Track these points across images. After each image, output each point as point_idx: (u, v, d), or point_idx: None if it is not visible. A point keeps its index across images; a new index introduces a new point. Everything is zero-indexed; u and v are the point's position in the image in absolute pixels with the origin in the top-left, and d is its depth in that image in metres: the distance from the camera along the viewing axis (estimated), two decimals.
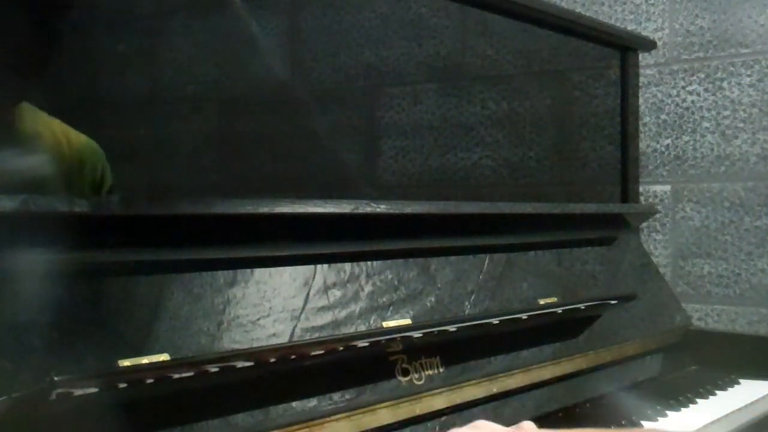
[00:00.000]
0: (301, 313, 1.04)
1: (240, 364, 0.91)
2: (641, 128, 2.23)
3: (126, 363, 0.81)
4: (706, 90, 2.29)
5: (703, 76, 2.30)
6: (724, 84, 2.26)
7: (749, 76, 2.23)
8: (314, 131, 1.38)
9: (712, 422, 1.36)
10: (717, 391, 1.55)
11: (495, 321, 1.25)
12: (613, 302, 1.53)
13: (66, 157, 1.19)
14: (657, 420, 1.33)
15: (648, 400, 1.42)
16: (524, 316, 1.31)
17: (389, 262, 1.19)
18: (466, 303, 1.28)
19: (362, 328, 1.09)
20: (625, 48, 1.88)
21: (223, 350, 0.92)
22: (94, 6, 1.14)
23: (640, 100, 2.07)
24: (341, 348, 1.03)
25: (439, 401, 1.16)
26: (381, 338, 1.09)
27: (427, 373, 1.16)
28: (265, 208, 1.01)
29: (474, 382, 1.22)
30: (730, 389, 1.59)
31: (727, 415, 1.41)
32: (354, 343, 1.04)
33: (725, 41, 2.26)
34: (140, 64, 1.20)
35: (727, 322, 2.27)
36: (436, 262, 1.27)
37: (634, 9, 2.39)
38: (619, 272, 1.69)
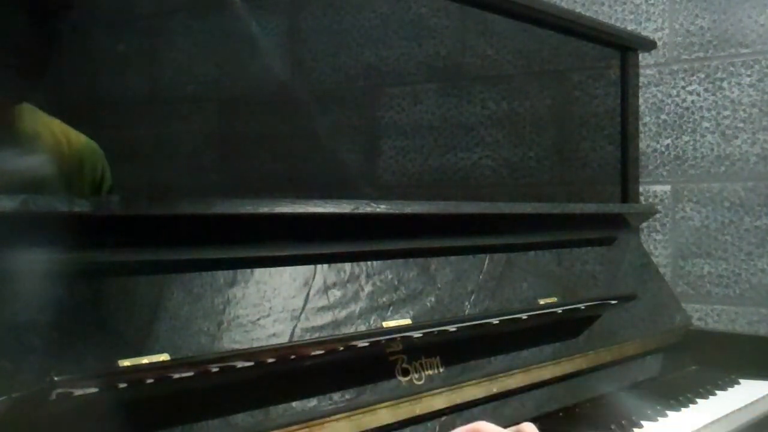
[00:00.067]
0: (301, 313, 1.04)
1: (240, 364, 0.91)
2: (641, 128, 2.23)
3: (126, 363, 0.81)
4: (706, 90, 2.29)
5: (703, 76, 2.30)
6: (724, 84, 2.26)
7: (749, 76, 2.23)
8: (314, 131, 1.38)
9: (712, 422, 1.36)
10: (717, 391, 1.55)
11: (495, 321, 1.25)
12: (613, 302, 1.53)
13: (66, 157, 1.19)
14: (657, 420, 1.33)
15: (648, 400, 1.41)
16: (524, 316, 1.31)
17: (389, 262, 1.19)
18: (466, 303, 1.28)
19: (362, 328, 1.09)
20: (625, 48, 1.88)
21: (223, 350, 0.92)
22: (94, 6, 1.14)
23: (640, 100, 2.07)
24: (341, 348, 1.03)
25: (439, 401, 1.16)
26: (381, 338, 1.09)
27: (427, 373, 1.16)
28: (265, 208, 1.01)
29: (474, 382, 1.22)
30: (730, 389, 1.59)
31: (727, 415, 1.41)
32: (354, 343, 1.04)
33: (725, 41, 2.26)
34: (140, 64, 1.20)
35: (727, 322, 2.27)
36: (436, 262, 1.27)
37: (634, 9, 2.39)
38: (619, 272, 1.69)
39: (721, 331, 2.04)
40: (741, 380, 1.65)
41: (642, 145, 2.25)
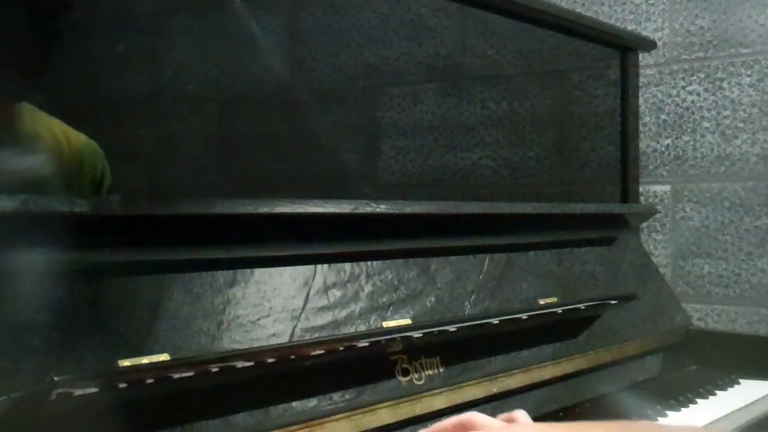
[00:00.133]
0: (301, 313, 1.04)
1: (240, 364, 0.91)
2: (641, 128, 2.23)
3: (126, 363, 0.81)
4: (706, 90, 2.29)
5: (703, 76, 2.30)
6: (724, 84, 2.26)
7: (749, 76, 2.23)
8: (314, 131, 1.37)
9: (712, 422, 1.36)
10: (717, 391, 1.55)
11: (495, 321, 1.25)
12: (613, 302, 1.53)
13: (66, 157, 1.19)
14: (657, 420, 1.33)
15: (648, 400, 1.41)
16: (524, 316, 1.31)
17: (389, 262, 1.19)
18: (466, 303, 1.28)
19: (362, 328, 1.09)
20: (625, 48, 1.88)
21: (223, 350, 0.92)
22: (94, 6, 1.14)
23: (640, 100, 2.07)
24: (341, 348, 1.03)
25: (439, 401, 1.16)
26: (381, 338, 1.09)
27: (427, 373, 1.16)
28: (265, 208, 1.01)
29: (474, 382, 1.22)
30: (730, 389, 1.59)
31: (727, 415, 1.41)
32: (354, 343, 1.04)
33: (725, 41, 2.26)
34: (140, 64, 1.20)
35: (727, 322, 2.27)
36: (436, 262, 1.27)
37: (634, 9, 2.39)
38: (619, 272, 1.69)
39: (721, 331, 2.04)
40: (741, 380, 1.65)
41: (642, 145, 2.25)
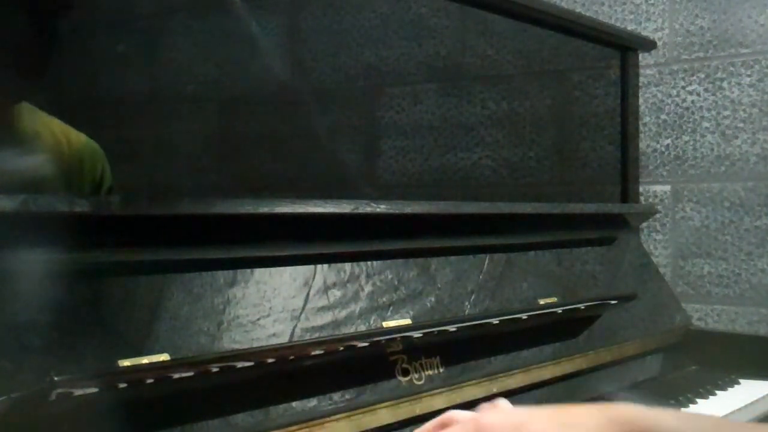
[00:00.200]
0: (301, 313, 1.04)
1: (240, 364, 0.91)
2: (641, 128, 2.23)
3: (126, 363, 0.81)
4: (706, 90, 2.29)
5: (703, 76, 2.30)
6: (724, 84, 2.26)
7: (749, 76, 2.23)
8: (314, 131, 1.37)
9: None
10: (717, 391, 1.55)
11: (495, 321, 1.25)
12: (613, 302, 1.53)
13: (66, 156, 1.19)
14: None
15: (648, 400, 1.41)
16: (524, 316, 1.31)
17: (389, 262, 1.19)
18: (466, 303, 1.28)
19: (362, 328, 1.09)
20: (625, 48, 1.88)
21: (223, 350, 0.92)
22: (94, 6, 1.14)
23: (640, 100, 2.07)
24: (341, 348, 1.03)
25: (439, 401, 1.16)
26: (381, 338, 1.09)
27: (427, 373, 1.16)
28: (265, 208, 1.01)
29: (474, 382, 1.22)
30: (730, 389, 1.59)
31: (727, 415, 1.41)
32: (354, 343, 1.04)
33: (725, 41, 2.26)
34: (140, 64, 1.20)
35: (727, 322, 2.27)
36: (436, 262, 1.27)
37: (634, 9, 2.39)
38: (619, 272, 1.69)
39: (721, 331, 2.04)
40: (741, 380, 1.65)
41: (642, 145, 2.25)
